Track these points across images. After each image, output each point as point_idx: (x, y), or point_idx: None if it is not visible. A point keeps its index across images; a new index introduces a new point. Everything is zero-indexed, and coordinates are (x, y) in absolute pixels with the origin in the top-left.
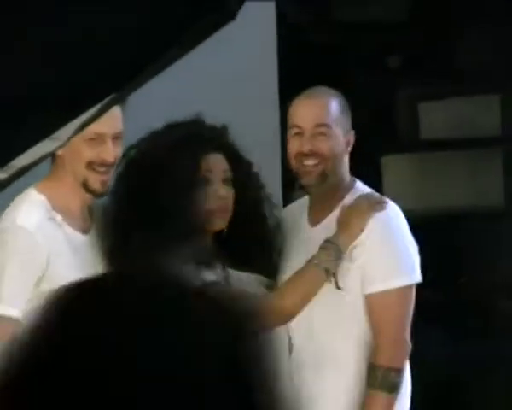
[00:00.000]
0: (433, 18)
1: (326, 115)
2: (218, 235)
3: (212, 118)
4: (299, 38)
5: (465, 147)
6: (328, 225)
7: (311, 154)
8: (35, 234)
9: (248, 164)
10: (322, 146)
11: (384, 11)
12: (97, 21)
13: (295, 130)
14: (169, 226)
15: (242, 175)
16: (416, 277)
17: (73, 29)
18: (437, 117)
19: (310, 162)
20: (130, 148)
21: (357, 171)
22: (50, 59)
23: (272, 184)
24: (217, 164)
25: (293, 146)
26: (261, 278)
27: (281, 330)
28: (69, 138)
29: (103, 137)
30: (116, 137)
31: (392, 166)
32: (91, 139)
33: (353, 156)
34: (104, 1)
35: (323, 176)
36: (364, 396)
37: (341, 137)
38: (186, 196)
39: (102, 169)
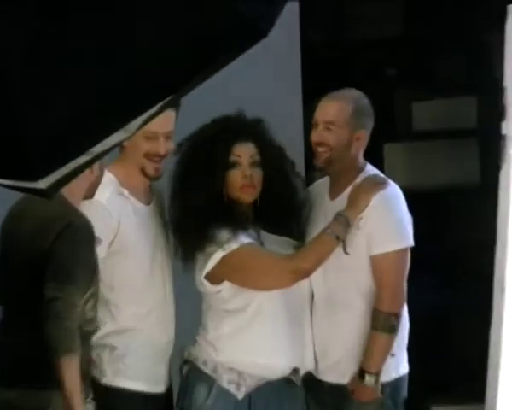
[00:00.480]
0: (422, 36)
1: (333, 115)
2: (255, 205)
3: (253, 114)
4: (317, 51)
5: (448, 137)
6: (344, 199)
7: (320, 143)
8: (107, 205)
9: (280, 149)
10: (329, 138)
11: (383, 32)
12: (158, 42)
13: (313, 123)
14: (203, 195)
15: (272, 158)
16: (410, 242)
17: (141, 50)
18: (426, 114)
19: (319, 149)
20: (185, 139)
21: (365, 155)
22: (123, 70)
23: (300, 167)
24: (245, 151)
25: (312, 136)
26: (290, 240)
27: (304, 284)
28: (136, 131)
29: (157, 134)
30: (167, 136)
31: (392, 152)
32: (147, 137)
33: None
34: (164, 24)
35: (329, 161)
36: (368, 336)
37: (347, 133)
38: (216, 174)
39: (156, 159)
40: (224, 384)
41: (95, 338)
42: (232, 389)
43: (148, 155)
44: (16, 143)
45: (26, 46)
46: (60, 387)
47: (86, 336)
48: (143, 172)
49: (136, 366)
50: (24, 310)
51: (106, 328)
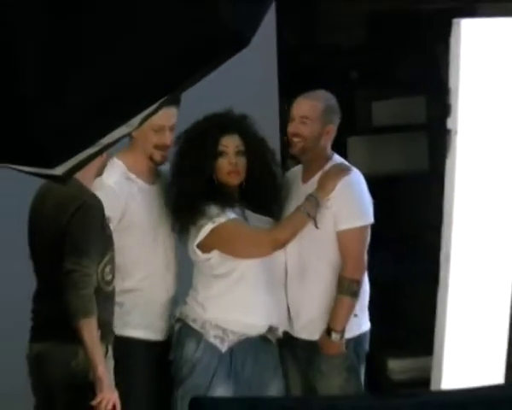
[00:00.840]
0: (380, 45)
1: (307, 111)
2: (240, 187)
3: (240, 111)
4: (291, 55)
5: (402, 131)
6: (314, 183)
7: (296, 134)
8: (115, 188)
9: (262, 141)
10: (303, 130)
11: (348, 40)
12: (157, 49)
13: (290, 118)
14: (196, 179)
15: (255, 148)
16: (371, 220)
17: (142, 55)
18: (383, 111)
19: (295, 139)
20: (182, 133)
21: (332, 147)
22: (125, 73)
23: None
24: (231, 142)
25: (289, 128)
26: (269, 218)
27: (281, 254)
28: (139, 125)
29: (163, 127)
30: (171, 128)
31: (354, 144)
32: (155, 130)
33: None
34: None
35: (303, 149)
36: (335, 300)
37: (319, 127)
38: (206, 161)
39: (163, 148)
40: (211, 339)
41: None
42: (217, 343)
43: (156, 146)
44: (35, 136)
45: (41, 44)
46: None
47: (106, 296)
48: (151, 158)
49: (141, 319)
50: (51, 280)
51: (120, 287)
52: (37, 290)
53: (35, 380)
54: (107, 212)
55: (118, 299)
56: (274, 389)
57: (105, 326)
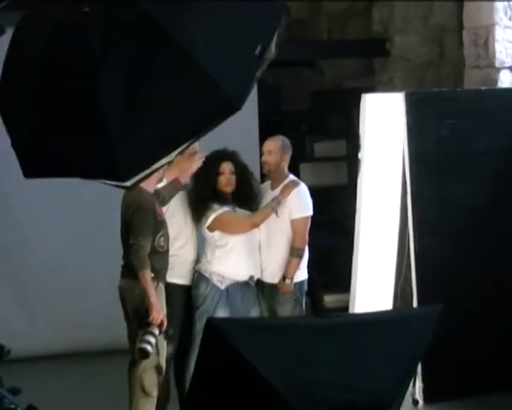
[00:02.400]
0: (320, 110)
1: (271, 147)
2: (232, 193)
3: (233, 148)
4: (265, 116)
5: (332, 160)
6: (277, 191)
7: (265, 162)
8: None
9: (245, 166)
10: (269, 159)
11: (301, 106)
12: (188, 115)
13: (262, 152)
14: (206, 188)
15: (241, 171)
16: (311, 212)
17: (181, 117)
18: (321, 148)
19: (265, 165)
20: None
21: (291, 170)
22: (172, 127)
23: (256, 174)
24: (227, 167)
25: (262, 159)
26: (249, 211)
27: (256, 231)
28: (175, 156)
29: (193, 154)
30: (198, 157)
31: (304, 168)
32: (190, 155)
33: (290, 164)
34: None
35: (269, 171)
36: (288, 260)
37: (278, 156)
38: (211, 178)
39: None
40: (215, 282)
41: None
42: (218, 284)
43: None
44: (116, 163)
45: (124, 94)
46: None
47: (160, 254)
48: (187, 172)
49: (180, 271)
50: (126, 248)
51: None
52: (123, 252)
53: (121, 304)
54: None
55: None
56: (253, 313)
57: (157, 271)
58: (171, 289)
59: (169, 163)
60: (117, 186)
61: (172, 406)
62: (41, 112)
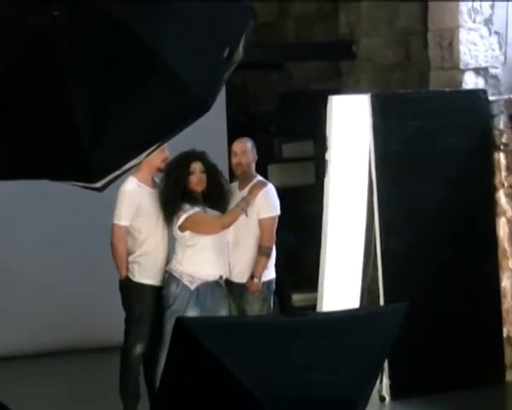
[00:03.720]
0: (288, 110)
1: (245, 148)
2: (203, 193)
3: (202, 148)
4: (234, 117)
5: (300, 162)
6: (245, 191)
7: (239, 163)
8: (131, 192)
9: (214, 166)
10: (243, 160)
11: (269, 108)
12: (160, 116)
13: (233, 153)
14: (176, 188)
15: (211, 170)
16: (278, 212)
17: (152, 118)
18: (289, 149)
19: (238, 167)
20: (169, 161)
21: (259, 171)
22: (142, 128)
23: (225, 174)
24: (197, 166)
25: (233, 160)
26: (219, 212)
27: (225, 232)
28: (145, 157)
29: (164, 149)
30: (165, 157)
31: (272, 169)
32: (160, 151)
33: (257, 165)
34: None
35: (243, 172)
36: (256, 259)
37: (251, 157)
38: (182, 178)
39: (165, 160)
40: (185, 282)
41: (131, 258)
42: (189, 284)
43: (162, 160)
44: (86, 165)
45: (94, 96)
46: None
47: None
48: (159, 169)
49: (150, 271)
50: None
51: (136, 253)
52: None
53: None
54: (126, 207)
55: (136, 260)
56: (223, 312)
57: None
58: (141, 288)
59: (139, 164)
60: (86, 188)
61: (142, 404)
62: (7, 113)
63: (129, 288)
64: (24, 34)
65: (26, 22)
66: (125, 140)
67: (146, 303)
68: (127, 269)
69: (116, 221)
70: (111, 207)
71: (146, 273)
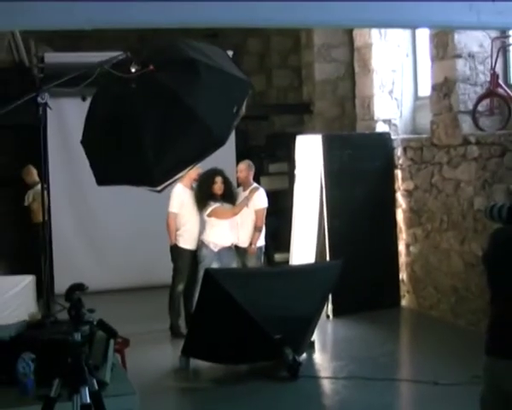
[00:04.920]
0: (275, 144)
1: (242, 168)
2: (221, 195)
3: (219, 167)
4: (240, 147)
5: (277, 175)
6: (246, 192)
7: (239, 177)
8: (178, 192)
9: (228, 179)
10: (241, 176)
11: (260, 144)
12: (192, 149)
13: (237, 171)
14: (205, 192)
15: (227, 181)
16: (266, 205)
17: (188, 149)
18: (274, 167)
19: (239, 179)
20: (200, 175)
21: (255, 180)
22: (182, 156)
23: (233, 182)
24: (219, 179)
25: (237, 175)
26: (232, 205)
27: (235, 218)
28: (185, 173)
29: (197, 169)
30: (198, 172)
31: (264, 179)
32: (194, 170)
33: (254, 176)
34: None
35: (242, 182)
36: (253, 233)
37: (247, 173)
38: (209, 186)
39: (197, 176)
40: (211, 247)
41: (178, 232)
42: (213, 248)
43: (197, 174)
44: (152, 176)
45: (157, 137)
46: None
47: None
48: (195, 179)
49: (188, 240)
50: None
51: (180, 229)
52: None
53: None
54: (174, 202)
55: (181, 233)
56: (233, 265)
57: None
58: (183, 251)
59: (183, 175)
60: (152, 190)
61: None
62: (108, 148)
63: (175, 250)
64: (114, 98)
65: (115, 91)
66: (174, 162)
67: (185, 260)
68: (175, 238)
69: (170, 209)
70: (167, 201)
71: (186, 242)
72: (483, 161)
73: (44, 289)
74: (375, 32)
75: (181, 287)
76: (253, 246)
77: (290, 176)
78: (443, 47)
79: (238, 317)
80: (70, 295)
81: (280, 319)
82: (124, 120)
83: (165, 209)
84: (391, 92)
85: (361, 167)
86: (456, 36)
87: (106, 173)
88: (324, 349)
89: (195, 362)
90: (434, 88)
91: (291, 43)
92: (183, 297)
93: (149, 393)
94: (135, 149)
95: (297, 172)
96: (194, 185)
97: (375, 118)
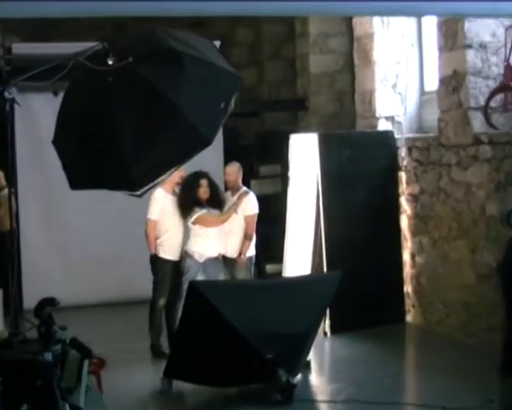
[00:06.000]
0: (266, 145)
1: (231, 171)
2: (207, 200)
3: (205, 169)
4: (228, 147)
5: (273, 177)
6: (235, 197)
7: (228, 181)
8: (158, 198)
9: (215, 182)
10: (230, 179)
11: (250, 143)
12: (176, 150)
13: (226, 173)
14: (190, 197)
15: (213, 184)
16: (257, 211)
17: (170, 149)
18: (266, 169)
19: (228, 183)
20: (184, 178)
21: (245, 183)
22: (166, 156)
23: (221, 186)
24: (203, 182)
25: (226, 177)
26: (219, 211)
27: (224, 224)
28: (168, 175)
29: (181, 170)
30: (182, 175)
31: (254, 183)
32: (178, 171)
33: (243, 180)
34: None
35: (231, 186)
36: (242, 242)
37: (236, 175)
38: (194, 190)
39: (181, 178)
40: (196, 258)
41: (158, 241)
42: (198, 259)
43: (180, 177)
44: (131, 178)
45: (135, 135)
46: None
47: None
48: (177, 183)
49: (170, 250)
50: None
51: (161, 238)
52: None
53: None
54: (153, 207)
55: (162, 243)
56: (221, 278)
57: None
58: (164, 262)
59: (164, 179)
60: (131, 195)
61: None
62: (83, 148)
63: (156, 261)
64: (88, 93)
65: (90, 84)
66: (155, 164)
67: (166, 272)
68: (155, 248)
69: (148, 216)
70: (144, 207)
71: (167, 252)
72: (496, 162)
73: (12, 305)
74: (376, 20)
75: (162, 302)
76: (242, 256)
77: (283, 179)
78: (452, 36)
79: (226, 334)
80: (40, 310)
81: (272, 336)
82: (99, 116)
83: (145, 216)
84: (394, 86)
85: (361, 169)
86: (467, 24)
87: (80, 176)
88: (321, 370)
89: (179, 384)
90: (442, 82)
91: (284, 33)
92: (164, 313)
93: None
94: (112, 148)
95: (291, 174)
96: (177, 190)
97: (377, 115)
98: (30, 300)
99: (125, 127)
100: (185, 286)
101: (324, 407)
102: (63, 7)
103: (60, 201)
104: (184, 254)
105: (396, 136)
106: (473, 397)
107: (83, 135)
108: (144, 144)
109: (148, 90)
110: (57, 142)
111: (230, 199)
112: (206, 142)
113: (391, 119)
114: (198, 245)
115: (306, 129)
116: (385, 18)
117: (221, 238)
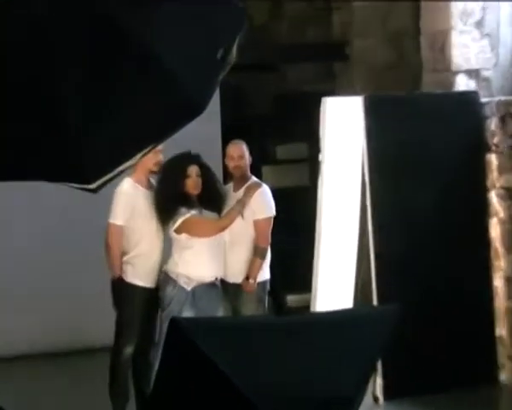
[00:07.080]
0: (283, 113)
1: (242, 152)
2: (198, 196)
3: (197, 151)
4: (229, 121)
5: (294, 163)
6: (240, 193)
7: (238, 167)
8: (127, 193)
9: (209, 169)
10: (241, 164)
11: (264, 110)
12: (152, 119)
13: (230, 156)
14: (173, 192)
15: (207, 173)
16: (273, 213)
17: (144, 120)
18: (283, 151)
19: (237, 170)
20: (165, 162)
21: (253, 172)
22: (135, 129)
23: (219, 176)
24: (193, 169)
25: (231, 162)
26: (215, 213)
27: (222, 233)
28: (139, 159)
29: (157, 152)
30: (160, 153)
31: (266, 170)
32: (154, 153)
33: (252, 166)
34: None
35: (242, 173)
36: (251, 260)
37: (246, 160)
38: (179, 181)
39: (158, 164)
40: (181, 283)
41: (125, 258)
42: (185, 285)
43: (155, 163)
44: (80, 166)
45: (83, 98)
46: None
47: None
48: (152, 171)
49: (143, 272)
50: None
51: (130, 254)
52: None
53: None
54: (121, 206)
55: (130, 260)
56: (219, 313)
57: None
58: (133, 290)
59: (133, 165)
60: (81, 189)
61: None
62: (6, 120)
63: (121, 288)
64: (9, 29)
65: (13, 20)
66: (117, 140)
67: (137, 304)
68: (120, 269)
69: (112, 220)
70: (104, 206)
71: (139, 275)
72: None
73: None
74: None
75: (129, 350)
76: (250, 281)
77: (312, 165)
78: None
79: (224, 396)
80: None
81: (293, 401)
82: (25, 67)
83: (104, 221)
84: (480, 25)
85: (430, 151)
86: None
87: (5, 163)
88: None
89: None
90: None
91: None
92: (132, 368)
93: None
94: (50, 119)
95: (323, 158)
96: (154, 181)
97: (454, 68)
98: None
99: (68, 84)
100: (165, 326)
101: None
102: None
103: None
104: (164, 279)
105: (483, 99)
106: None
107: (4, 99)
108: (100, 112)
109: (105, 28)
110: None
111: (232, 195)
112: (195, 109)
113: (475, 73)
114: (185, 265)
115: (347, 90)
116: None
117: (219, 254)
